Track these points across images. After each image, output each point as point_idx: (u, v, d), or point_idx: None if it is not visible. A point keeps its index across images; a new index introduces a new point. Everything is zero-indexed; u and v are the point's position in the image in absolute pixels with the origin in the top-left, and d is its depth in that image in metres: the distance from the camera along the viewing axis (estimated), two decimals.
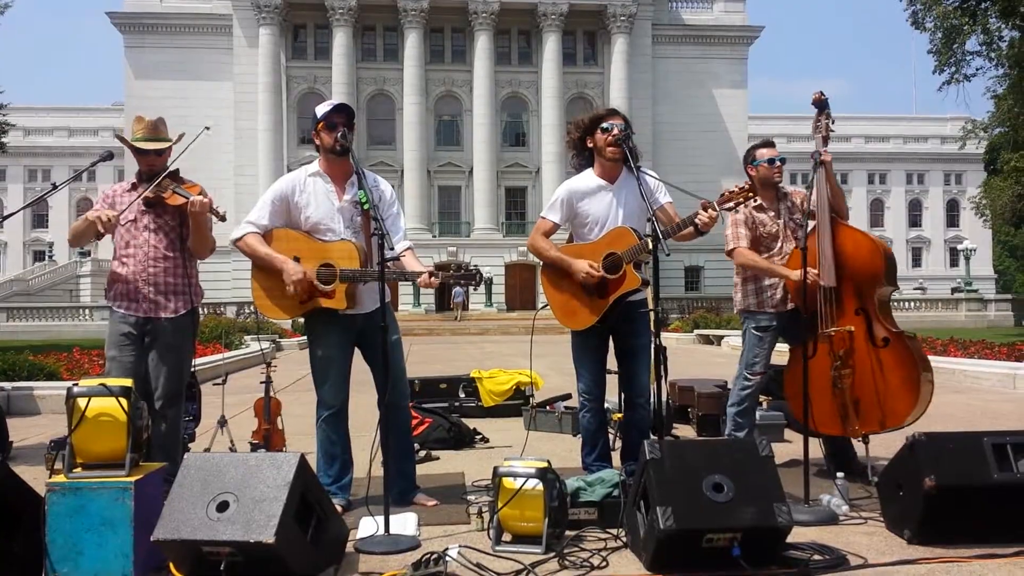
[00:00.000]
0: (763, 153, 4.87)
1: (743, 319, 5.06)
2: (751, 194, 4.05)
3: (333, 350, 4.32)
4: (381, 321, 3.89)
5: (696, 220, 4.12)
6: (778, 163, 4.86)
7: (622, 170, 4.51)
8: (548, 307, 4.55)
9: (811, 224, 4.68)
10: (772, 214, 4.91)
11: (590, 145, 4.54)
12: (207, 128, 5.22)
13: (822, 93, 4.62)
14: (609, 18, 49.81)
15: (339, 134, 4.20)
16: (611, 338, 4.59)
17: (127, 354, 4.36)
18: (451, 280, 3.97)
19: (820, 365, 4.59)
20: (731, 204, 4.07)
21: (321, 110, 4.29)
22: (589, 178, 4.55)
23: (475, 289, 4.10)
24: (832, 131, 4.65)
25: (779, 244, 4.88)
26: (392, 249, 3.98)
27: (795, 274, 4.56)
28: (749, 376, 4.95)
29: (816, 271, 4.53)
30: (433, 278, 3.98)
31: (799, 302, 4.64)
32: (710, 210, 4.05)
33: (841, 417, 4.56)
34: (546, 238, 4.58)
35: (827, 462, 4.93)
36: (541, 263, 4.61)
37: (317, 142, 4.32)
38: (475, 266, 4.09)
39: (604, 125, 4.44)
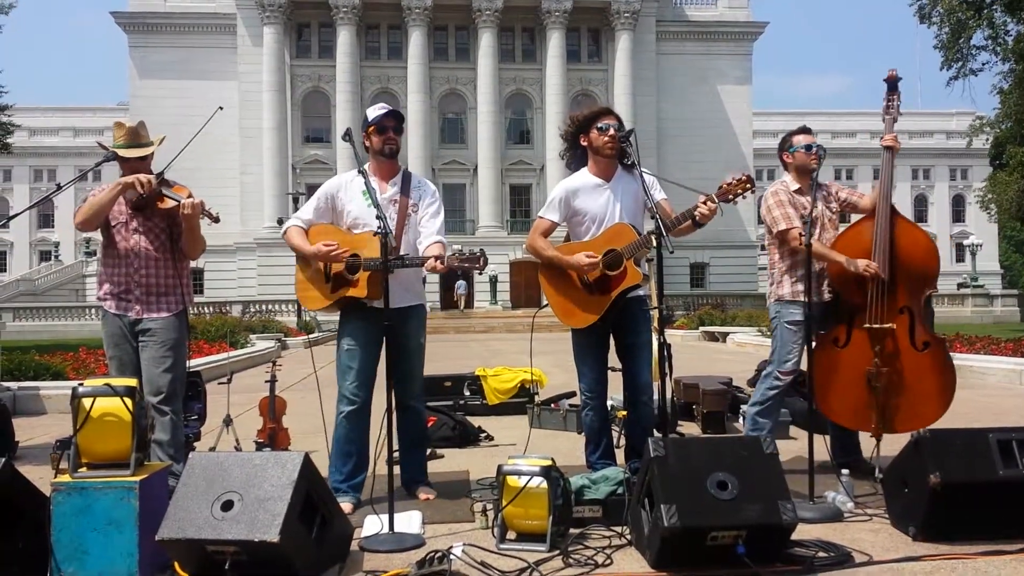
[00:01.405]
0: (799, 139, 4.82)
1: (775, 310, 4.79)
2: (749, 185, 4.05)
3: (358, 343, 4.36)
4: (386, 320, 3.91)
5: (695, 213, 4.10)
6: (815, 149, 4.73)
7: (617, 168, 4.52)
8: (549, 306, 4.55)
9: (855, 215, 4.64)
10: (810, 199, 4.74)
11: (584, 143, 4.53)
12: (220, 108, 5.28)
13: (896, 71, 4.52)
14: (613, 15, 49.73)
15: (387, 137, 4.37)
16: (612, 335, 4.58)
17: (126, 351, 4.39)
18: (455, 263, 4.01)
19: (856, 358, 4.48)
20: (730, 196, 4.07)
21: (373, 114, 4.42)
22: (585, 176, 4.55)
23: (480, 273, 4.13)
24: (900, 113, 4.54)
25: (817, 231, 4.71)
26: (396, 248, 4.06)
27: (860, 263, 4.44)
28: (780, 375, 4.72)
29: (876, 264, 4.43)
30: (439, 263, 4.02)
31: (838, 286, 4.58)
32: (709, 203, 4.05)
33: (865, 413, 4.46)
34: (544, 237, 4.57)
35: (832, 458, 4.91)
36: (540, 262, 4.57)
37: (367, 144, 4.46)
38: (480, 249, 4.10)
39: (600, 125, 4.43)
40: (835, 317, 4.65)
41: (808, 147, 4.76)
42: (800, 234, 4.49)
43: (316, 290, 4.38)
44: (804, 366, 4.67)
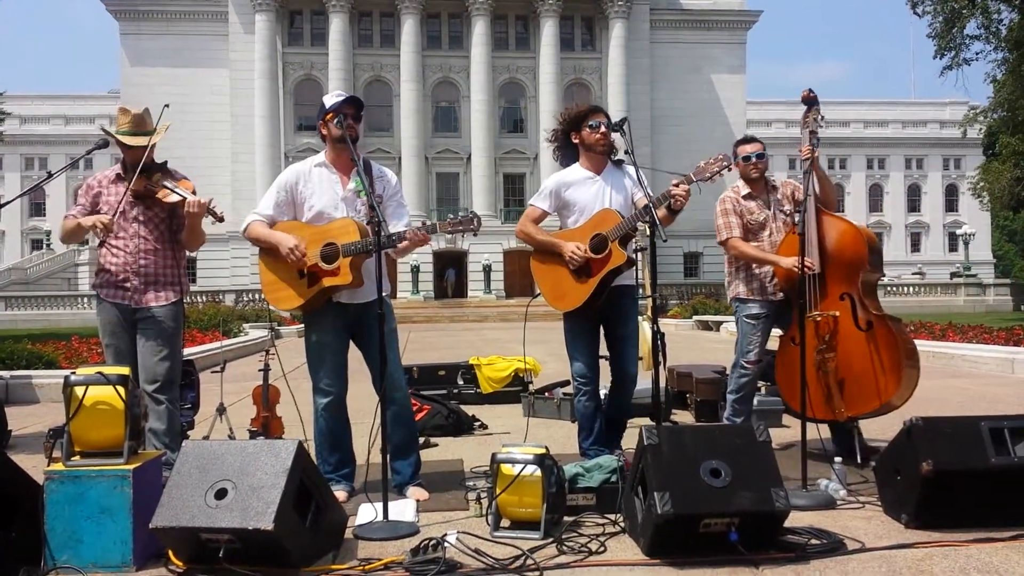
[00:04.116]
0: (741, 150, 5.07)
1: (735, 307, 5.18)
2: (725, 163, 4.18)
3: (328, 336, 4.29)
4: (379, 308, 3.88)
5: (671, 199, 4.18)
6: (754, 159, 5.01)
7: (607, 163, 4.67)
8: (540, 294, 4.62)
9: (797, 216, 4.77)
10: (760, 203, 5.06)
11: (575, 141, 4.67)
12: (166, 106, 4.94)
13: (811, 91, 4.66)
14: (607, 3, 49.58)
15: (339, 121, 4.17)
16: (601, 326, 4.66)
17: (123, 340, 4.38)
18: (448, 229, 3.98)
19: (811, 351, 4.60)
20: (707, 175, 4.13)
21: (330, 101, 4.26)
22: (577, 170, 4.71)
23: (475, 235, 4.08)
24: (821, 126, 4.68)
25: (766, 233, 5.02)
26: (389, 238, 3.95)
27: (787, 261, 4.69)
28: (745, 365, 5.05)
29: (809, 259, 4.55)
30: (426, 232, 3.99)
31: (786, 288, 4.82)
32: (682, 184, 4.13)
33: (826, 400, 4.62)
34: (535, 224, 4.70)
35: (825, 447, 4.94)
36: (532, 248, 4.68)
37: (324, 132, 4.28)
38: (471, 211, 4.08)
39: (591, 123, 4.57)
40: (790, 317, 4.83)
41: (747, 158, 5.03)
42: (735, 242, 4.95)
43: (289, 288, 4.19)
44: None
